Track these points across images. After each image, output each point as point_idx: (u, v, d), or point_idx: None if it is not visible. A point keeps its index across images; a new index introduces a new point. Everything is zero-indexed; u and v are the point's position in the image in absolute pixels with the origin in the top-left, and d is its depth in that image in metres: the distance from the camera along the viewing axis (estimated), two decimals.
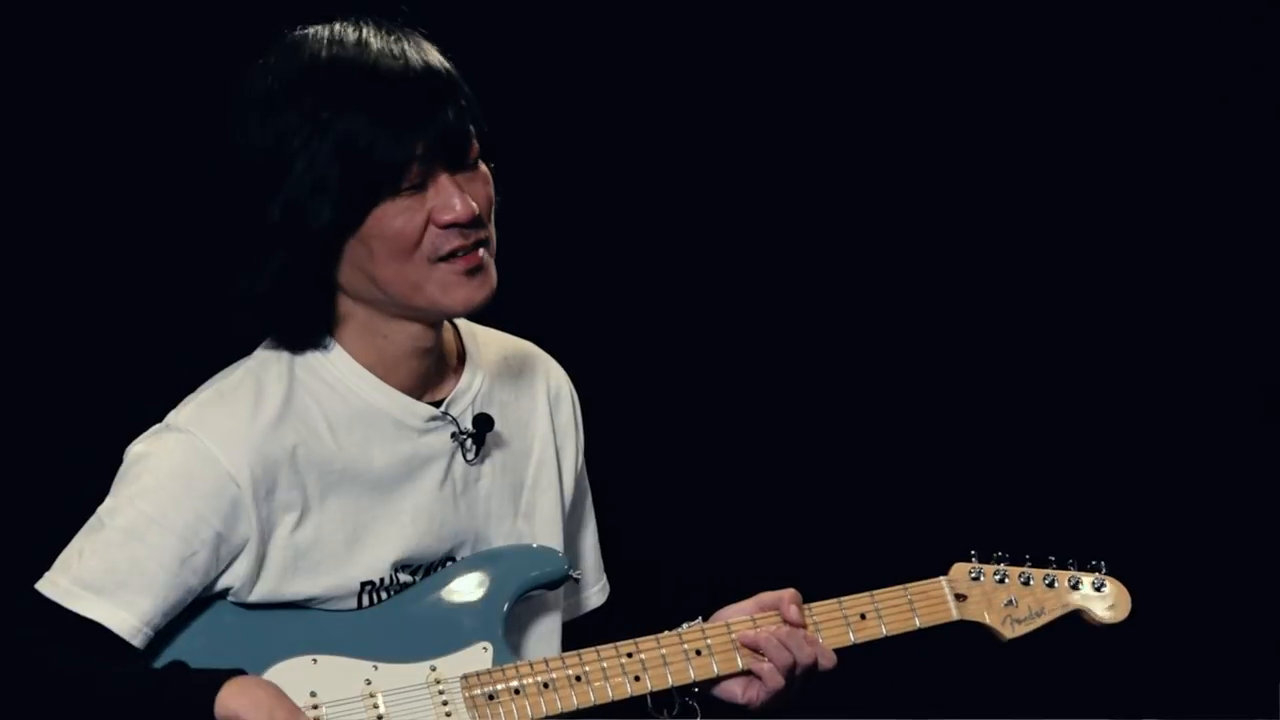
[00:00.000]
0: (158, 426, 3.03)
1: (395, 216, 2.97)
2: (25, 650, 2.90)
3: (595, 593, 3.35)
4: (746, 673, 3.16)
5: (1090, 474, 4.61)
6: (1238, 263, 4.59)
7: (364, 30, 2.99)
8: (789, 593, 3.20)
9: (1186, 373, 4.62)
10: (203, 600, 3.00)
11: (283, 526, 3.00)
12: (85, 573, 2.93)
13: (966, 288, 4.59)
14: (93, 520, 2.98)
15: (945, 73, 4.55)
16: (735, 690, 3.16)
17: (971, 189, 4.59)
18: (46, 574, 2.96)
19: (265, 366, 3.06)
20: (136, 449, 3.01)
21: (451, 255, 3.00)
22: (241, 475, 2.97)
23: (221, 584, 3.00)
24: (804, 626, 3.18)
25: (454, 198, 2.98)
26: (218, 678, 2.91)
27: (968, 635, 4.43)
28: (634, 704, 3.16)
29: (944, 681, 4.54)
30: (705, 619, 3.20)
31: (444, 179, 2.99)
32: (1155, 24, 4.51)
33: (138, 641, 2.93)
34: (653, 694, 3.13)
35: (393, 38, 2.99)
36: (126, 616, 2.92)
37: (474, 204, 2.99)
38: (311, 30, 3.01)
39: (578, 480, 3.29)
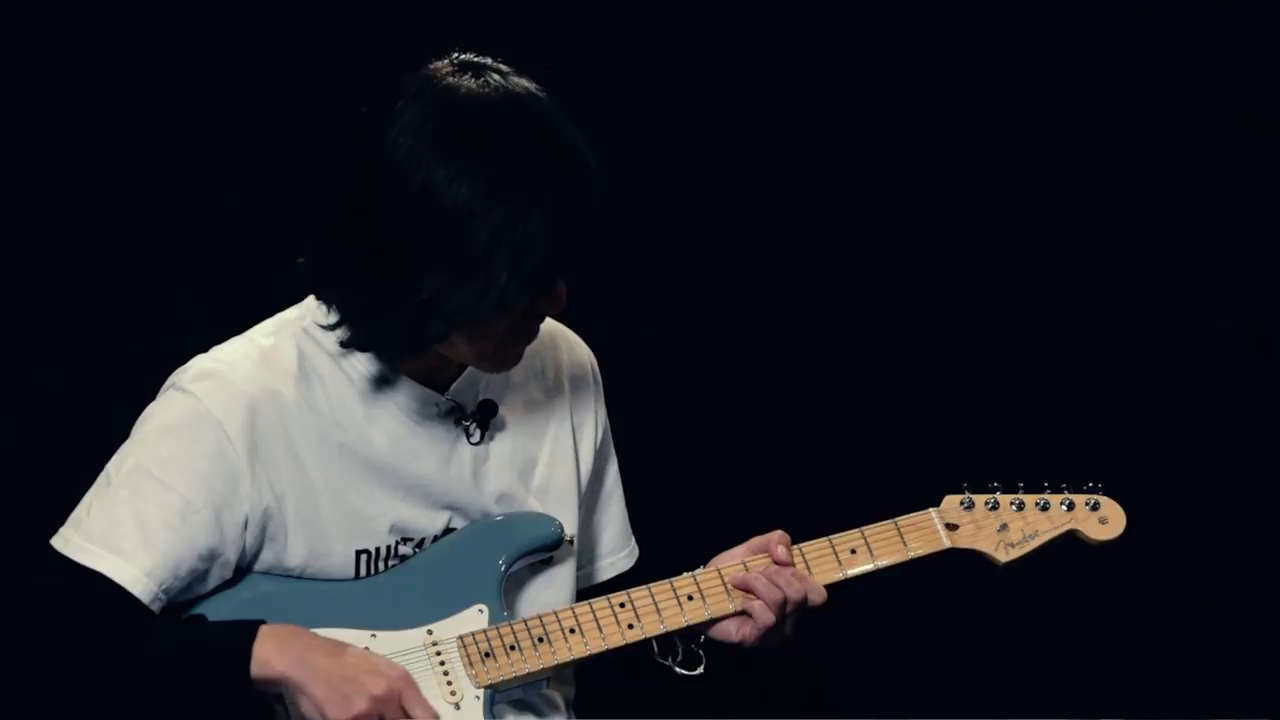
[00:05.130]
0: (165, 385, 3.12)
1: (509, 316, 3.04)
2: (41, 600, 2.97)
3: (623, 557, 3.44)
4: (740, 613, 3.24)
5: (1091, 413, 4.59)
6: (1229, 188, 4.59)
7: (559, 118, 3.02)
8: (777, 534, 3.30)
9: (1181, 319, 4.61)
10: None
11: (280, 496, 3.07)
12: (93, 527, 3.01)
13: (946, 224, 4.58)
14: (101, 476, 3.08)
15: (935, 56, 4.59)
16: (730, 630, 3.26)
17: (953, 135, 4.62)
18: (60, 529, 3.05)
19: (278, 336, 3.14)
20: (147, 409, 3.10)
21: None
22: (239, 440, 3.05)
23: (233, 560, 3.06)
24: (791, 565, 3.25)
25: (563, 290, 3.07)
26: (248, 631, 2.97)
27: (970, 636, 4.50)
28: (644, 660, 3.26)
29: (945, 682, 4.57)
30: (704, 567, 3.31)
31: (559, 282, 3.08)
32: (1154, 24, 4.52)
33: (146, 597, 2.98)
34: (658, 639, 3.23)
35: (571, 122, 3.03)
36: (130, 569, 2.98)
37: None
38: (509, 89, 3.02)
39: (600, 453, 3.37)
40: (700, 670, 3.26)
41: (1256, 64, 4.50)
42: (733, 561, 3.28)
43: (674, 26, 4.49)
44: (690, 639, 3.26)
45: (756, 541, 3.30)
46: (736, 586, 3.25)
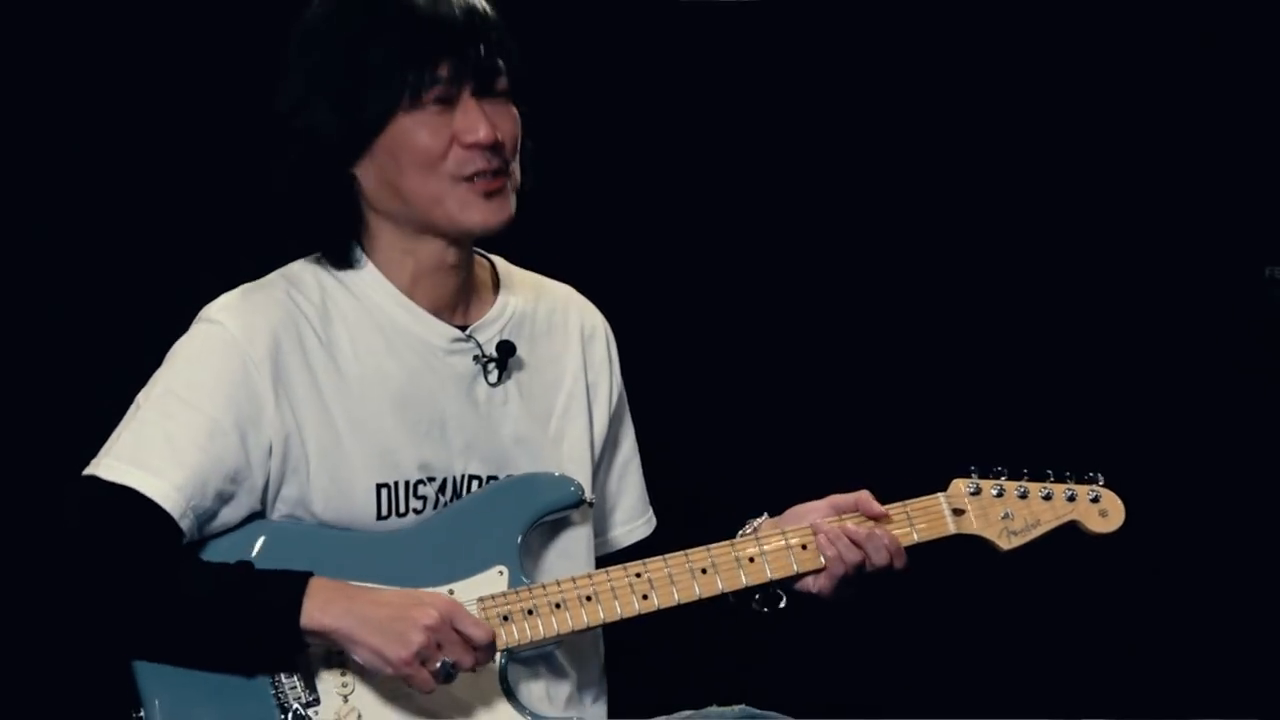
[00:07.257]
0: (195, 320, 3.19)
1: (419, 129, 3.13)
2: (72, 519, 3.04)
3: (641, 525, 3.50)
4: (743, 588, 3.30)
5: (1093, 401, 4.66)
6: (1227, 175, 4.65)
7: None
8: (864, 493, 3.36)
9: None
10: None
11: (301, 424, 3.14)
12: (122, 448, 3.08)
13: (956, 211, 4.64)
14: (131, 407, 3.15)
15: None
16: (808, 582, 3.31)
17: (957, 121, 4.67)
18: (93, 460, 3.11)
19: (299, 274, 3.24)
20: (177, 343, 3.18)
21: (473, 176, 3.16)
22: (264, 366, 3.12)
23: (260, 485, 3.13)
24: (888, 518, 3.34)
25: (479, 121, 3.14)
26: (299, 582, 3.04)
27: (968, 637, 4.57)
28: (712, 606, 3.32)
29: (944, 681, 4.64)
30: (771, 515, 3.37)
31: (470, 102, 3.15)
32: (1153, 24, 4.56)
33: (175, 512, 3.04)
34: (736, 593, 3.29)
35: None
36: (159, 483, 3.04)
37: (499, 132, 3.16)
38: None
39: (616, 419, 3.43)
40: (782, 605, 3.32)
41: (1256, 62, 4.56)
42: (814, 516, 3.33)
43: (671, 13, 4.54)
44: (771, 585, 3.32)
45: (839, 500, 3.36)
46: (850, 539, 3.30)
